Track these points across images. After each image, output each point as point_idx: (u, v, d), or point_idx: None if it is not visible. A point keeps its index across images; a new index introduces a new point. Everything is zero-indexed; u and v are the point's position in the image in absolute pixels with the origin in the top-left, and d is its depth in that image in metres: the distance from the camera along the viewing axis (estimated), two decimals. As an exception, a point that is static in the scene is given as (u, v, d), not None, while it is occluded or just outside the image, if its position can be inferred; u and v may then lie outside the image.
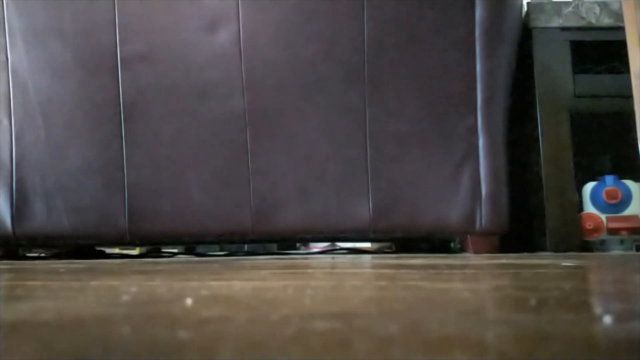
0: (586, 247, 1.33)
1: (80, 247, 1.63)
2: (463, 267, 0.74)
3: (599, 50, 1.43)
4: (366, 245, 2.17)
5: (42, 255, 1.68)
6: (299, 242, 2.04)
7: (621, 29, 1.35)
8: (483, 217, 1.28)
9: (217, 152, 1.31)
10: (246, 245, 2.02)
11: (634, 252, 1.25)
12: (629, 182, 1.31)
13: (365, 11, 1.30)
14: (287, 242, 1.86)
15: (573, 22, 1.37)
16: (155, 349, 0.21)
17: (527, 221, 1.43)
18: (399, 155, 1.30)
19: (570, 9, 1.37)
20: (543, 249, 1.33)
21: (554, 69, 1.36)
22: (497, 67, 1.29)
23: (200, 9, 1.32)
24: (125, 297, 0.40)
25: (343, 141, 1.30)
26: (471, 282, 0.50)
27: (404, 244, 2.01)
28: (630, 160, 1.47)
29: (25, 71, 1.34)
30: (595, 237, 1.30)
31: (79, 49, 1.33)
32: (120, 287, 0.49)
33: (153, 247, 1.98)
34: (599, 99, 1.38)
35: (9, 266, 0.97)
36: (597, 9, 1.37)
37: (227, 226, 1.31)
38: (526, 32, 1.39)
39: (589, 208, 1.32)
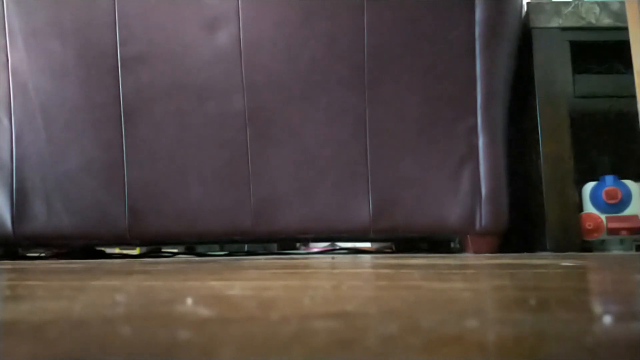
0: (586, 247, 1.33)
1: (80, 247, 1.63)
2: (463, 267, 0.74)
3: (599, 50, 1.43)
4: (366, 245, 2.17)
5: (42, 255, 1.68)
6: (299, 242, 2.04)
7: (621, 29, 1.35)
8: (483, 217, 1.28)
9: (217, 152, 1.31)
10: (246, 245, 2.02)
11: (634, 252, 1.25)
12: (628, 182, 1.31)
13: (365, 11, 1.30)
14: (287, 242, 1.86)
15: (573, 22, 1.37)
16: (155, 349, 0.21)
17: (527, 221, 1.43)
18: (398, 155, 1.30)
19: (570, 9, 1.38)
20: (543, 249, 1.33)
21: (554, 69, 1.36)
22: (497, 67, 1.29)
23: (200, 9, 1.32)
24: (125, 297, 0.40)
25: (343, 141, 1.30)
26: (471, 282, 0.50)
27: (404, 244, 2.01)
28: (630, 160, 1.47)
29: (25, 71, 1.34)
30: (595, 237, 1.30)
31: (79, 49, 1.33)
32: (120, 287, 0.49)
33: (153, 247, 1.98)
34: (599, 99, 1.38)
35: (9, 266, 0.97)
36: (597, 9, 1.38)
37: (227, 226, 1.31)
38: (526, 32, 1.39)
39: (589, 208, 1.32)
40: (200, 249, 2.06)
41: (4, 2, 1.35)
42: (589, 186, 1.33)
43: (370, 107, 1.30)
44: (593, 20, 1.37)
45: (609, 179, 1.30)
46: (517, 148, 1.45)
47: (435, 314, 0.30)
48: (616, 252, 1.29)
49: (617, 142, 1.48)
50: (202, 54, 1.32)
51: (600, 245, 1.34)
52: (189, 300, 0.37)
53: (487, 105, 1.29)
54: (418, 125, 1.30)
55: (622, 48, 1.32)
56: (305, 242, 2.12)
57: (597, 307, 0.32)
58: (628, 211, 1.29)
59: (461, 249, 1.40)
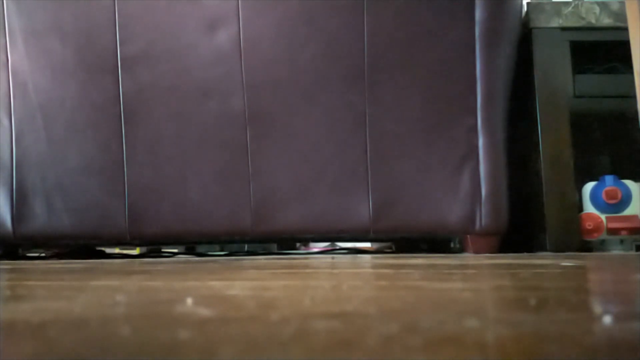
0: (586, 247, 1.33)
1: (80, 247, 1.63)
2: (463, 267, 0.74)
3: (599, 51, 1.43)
4: (366, 245, 2.17)
5: (42, 255, 1.68)
6: (299, 242, 2.04)
7: (621, 29, 1.35)
8: (483, 217, 1.28)
9: (217, 152, 1.31)
10: (246, 245, 2.02)
11: (634, 252, 1.25)
12: (628, 182, 1.31)
13: (365, 11, 1.30)
14: (287, 242, 1.86)
15: (573, 22, 1.37)
16: (155, 349, 0.21)
17: (527, 221, 1.43)
18: (399, 155, 1.30)
19: (570, 9, 1.38)
20: (543, 249, 1.33)
21: (554, 69, 1.36)
22: (497, 67, 1.29)
23: (200, 9, 1.32)
24: (125, 297, 0.40)
25: (343, 141, 1.30)
26: (471, 282, 0.50)
27: (404, 244, 2.01)
28: (630, 160, 1.47)
29: (25, 71, 1.34)
30: (595, 237, 1.30)
31: (79, 49, 1.33)
32: (120, 287, 0.49)
33: (153, 247, 1.97)
34: (599, 99, 1.38)
35: (9, 266, 0.97)
36: (597, 9, 1.38)
37: (227, 226, 1.31)
38: (526, 32, 1.39)
39: (589, 208, 1.32)
40: (200, 249, 2.06)
41: (4, 2, 1.35)
42: (589, 186, 1.33)
43: (370, 107, 1.30)
44: (593, 20, 1.37)
45: (609, 179, 1.30)
46: (517, 148, 1.45)
47: (435, 314, 0.30)
48: (616, 252, 1.29)
49: (617, 142, 1.48)
50: (202, 54, 1.32)
51: (600, 245, 1.34)
52: (189, 300, 0.37)
53: (487, 105, 1.29)
54: (418, 125, 1.30)
55: (622, 48, 1.32)
56: (305, 242, 2.12)
57: (597, 307, 0.32)
58: (628, 211, 1.29)
59: (461, 249, 1.40)
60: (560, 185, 1.32)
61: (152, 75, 1.32)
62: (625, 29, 1.26)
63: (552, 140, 1.34)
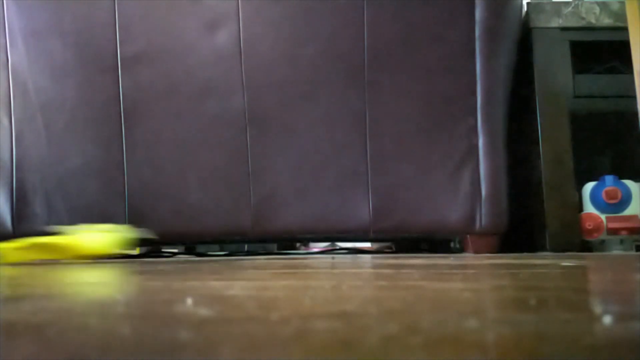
0: (586, 247, 1.33)
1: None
2: (463, 267, 0.74)
3: (599, 51, 1.42)
4: (366, 245, 2.17)
5: (42, 255, 1.67)
6: (299, 242, 2.04)
7: (621, 29, 1.35)
8: (483, 217, 1.28)
9: (217, 152, 1.31)
10: (246, 245, 2.02)
11: (634, 252, 1.25)
12: (628, 182, 1.31)
13: (365, 11, 1.30)
14: (287, 242, 1.86)
15: (573, 22, 1.37)
16: (155, 349, 0.21)
17: (527, 221, 1.43)
18: (399, 155, 1.30)
19: (570, 9, 1.37)
20: (543, 249, 1.33)
21: (554, 69, 1.36)
22: (497, 67, 1.29)
23: (200, 9, 1.32)
24: (125, 297, 0.40)
25: (343, 141, 1.30)
26: (471, 282, 0.50)
27: (404, 244, 2.01)
28: (630, 160, 1.47)
29: (25, 71, 1.34)
30: (595, 237, 1.30)
31: (79, 49, 1.33)
32: (120, 287, 0.49)
33: (153, 247, 1.97)
34: (599, 99, 1.38)
35: (9, 266, 0.97)
36: (597, 9, 1.37)
37: (227, 226, 1.31)
38: (526, 32, 1.38)
39: (589, 208, 1.32)
40: (200, 249, 2.05)
41: (4, 2, 1.35)
42: (589, 186, 1.33)
43: (370, 106, 1.30)
44: (593, 20, 1.37)
45: (609, 179, 1.30)
46: (517, 148, 1.44)
47: (435, 314, 0.30)
48: (616, 252, 1.29)
49: (617, 142, 1.48)
50: (202, 54, 1.32)
51: (600, 245, 1.34)
52: (189, 300, 0.37)
53: (487, 105, 1.29)
54: (418, 125, 1.30)
55: (622, 48, 1.32)
56: (305, 242, 2.12)
57: (597, 307, 0.32)
58: (628, 211, 1.29)
59: (461, 249, 1.40)
60: (560, 185, 1.32)
61: (152, 75, 1.32)
62: (625, 29, 1.26)
63: (552, 140, 1.34)
